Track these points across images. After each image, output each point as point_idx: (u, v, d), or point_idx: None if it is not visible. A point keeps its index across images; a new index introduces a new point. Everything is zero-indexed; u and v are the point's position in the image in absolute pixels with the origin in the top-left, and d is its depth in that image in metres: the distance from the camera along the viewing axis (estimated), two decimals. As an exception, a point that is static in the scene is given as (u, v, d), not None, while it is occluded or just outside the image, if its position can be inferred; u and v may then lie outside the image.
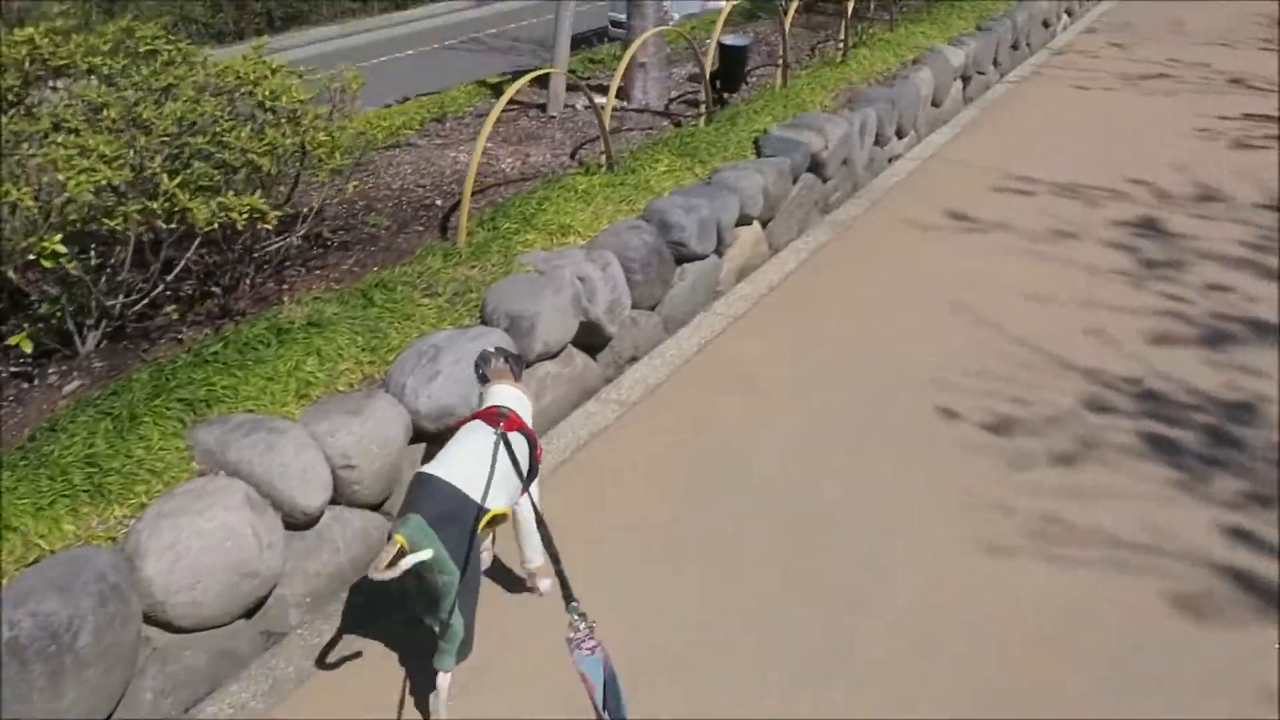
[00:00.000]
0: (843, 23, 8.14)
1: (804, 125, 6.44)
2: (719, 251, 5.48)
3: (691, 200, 5.27)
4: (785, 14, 7.55)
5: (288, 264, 4.63)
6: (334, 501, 3.46)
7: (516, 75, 8.30)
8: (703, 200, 5.30)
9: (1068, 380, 4.56)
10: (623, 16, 11.38)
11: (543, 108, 7.07)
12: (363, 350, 3.90)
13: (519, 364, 3.30)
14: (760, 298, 5.41)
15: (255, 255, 4.39)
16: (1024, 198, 6.75)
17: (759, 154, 6.19)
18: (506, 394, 3.11)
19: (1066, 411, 4.32)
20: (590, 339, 4.58)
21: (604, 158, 5.71)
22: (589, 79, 7.95)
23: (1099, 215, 6.42)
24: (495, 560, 3.39)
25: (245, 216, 3.77)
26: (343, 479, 3.43)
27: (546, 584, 3.24)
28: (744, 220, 5.67)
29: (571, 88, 7.59)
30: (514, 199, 5.27)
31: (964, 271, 5.66)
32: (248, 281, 4.36)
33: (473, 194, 5.54)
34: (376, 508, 3.63)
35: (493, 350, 3.29)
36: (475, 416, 3.04)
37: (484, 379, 3.22)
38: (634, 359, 4.87)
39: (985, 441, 4.12)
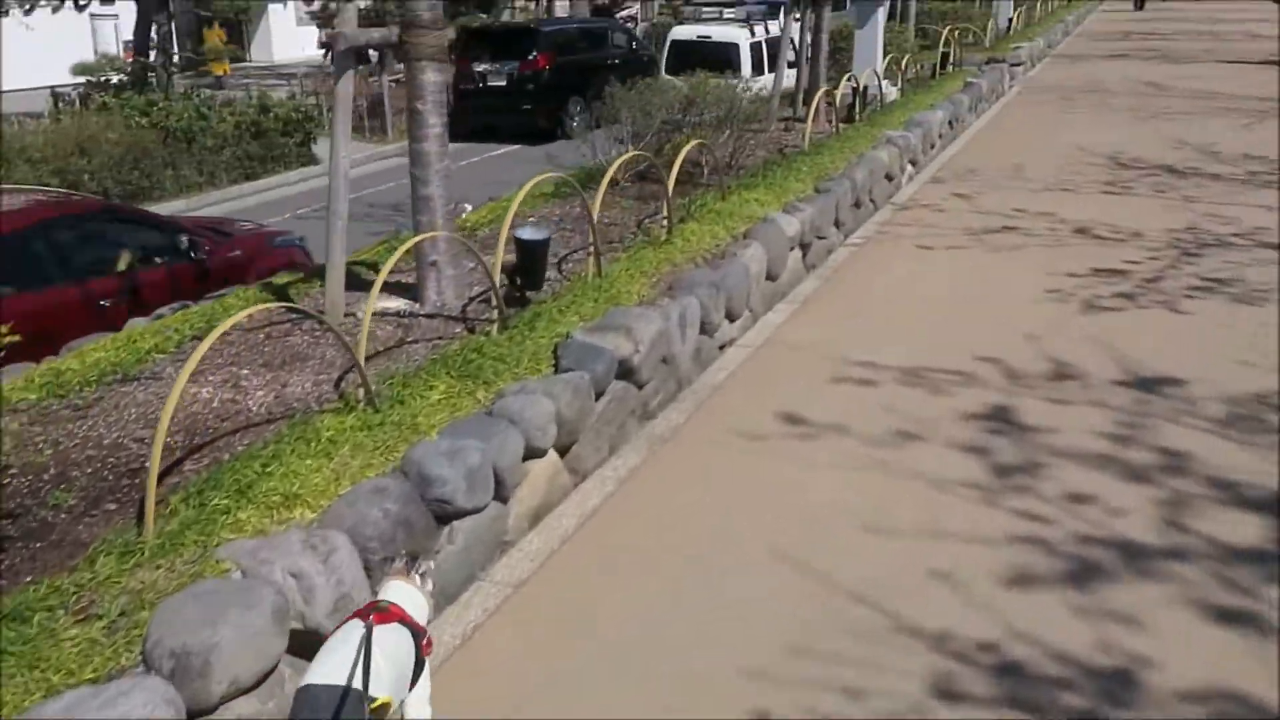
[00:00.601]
0: (665, 200, 7.53)
1: (611, 326, 5.67)
2: (502, 498, 4.57)
3: (459, 443, 4.38)
4: (598, 192, 6.89)
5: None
6: None
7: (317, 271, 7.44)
8: (474, 441, 4.41)
9: (911, 653, 3.72)
10: None
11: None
12: (-55, 734, 2.84)
13: (413, 561, 3.40)
14: (551, 554, 4.50)
15: None
16: (864, 388, 6.06)
17: (557, 367, 5.38)
18: (395, 590, 3.24)
19: (909, 706, 3.45)
20: (311, 651, 3.57)
21: (367, 389, 4.81)
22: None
23: (946, 407, 5.75)
24: None
25: None
26: None
27: None
28: (534, 454, 4.81)
29: (359, 285, 6.78)
30: (238, 457, 4.31)
31: (793, 497, 4.86)
32: None
33: (205, 445, 4.59)
34: None
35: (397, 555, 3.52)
36: (354, 614, 3.12)
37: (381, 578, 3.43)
38: (381, 661, 3.87)
39: (807, 767, 3.22)
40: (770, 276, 7.67)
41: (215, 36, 26.39)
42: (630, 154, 8.02)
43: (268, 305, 4.98)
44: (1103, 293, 7.60)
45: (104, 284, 6.85)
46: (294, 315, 6.36)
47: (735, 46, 16.86)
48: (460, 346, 5.51)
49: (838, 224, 9.25)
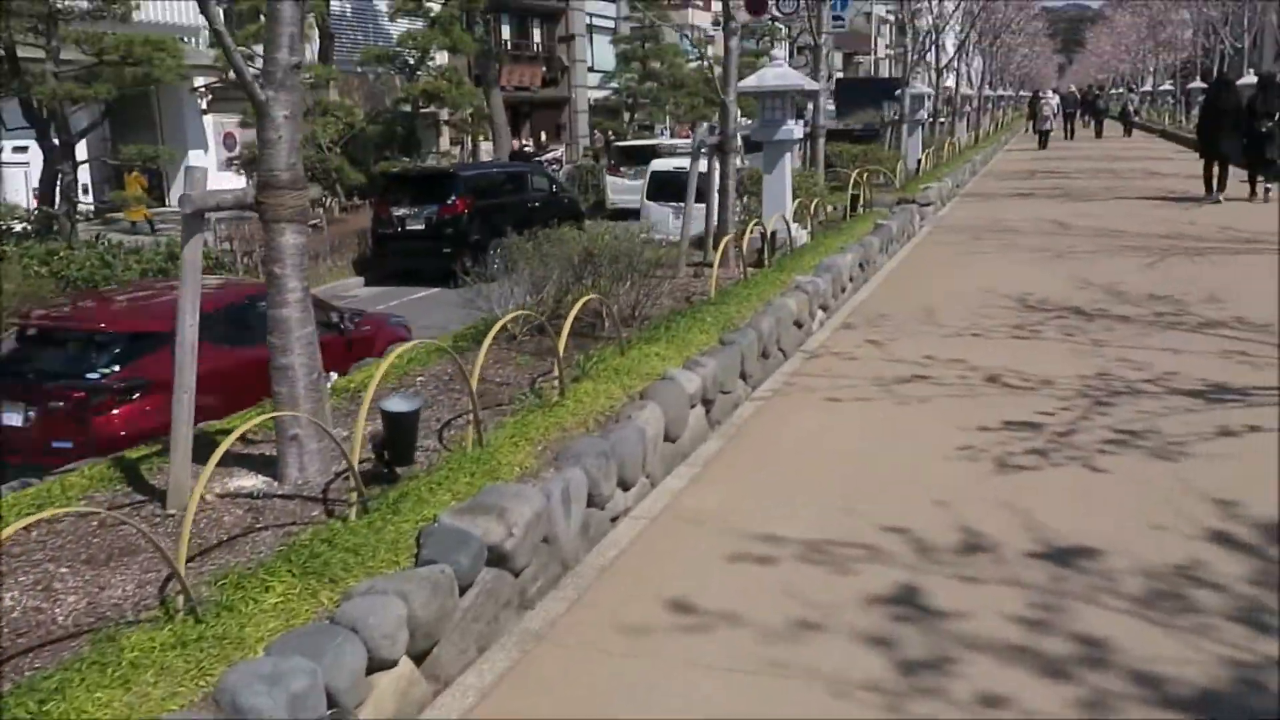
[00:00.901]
0: (555, 360, 7.14)
1: (484, 507, 5.16)
2: (338, 722, 3.97)
3: (285, 663, 3.79)
4: (478, 355, 6.47)
5: None
6: None
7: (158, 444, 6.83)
8: (304, 660, 3.83)
9: None
10: None
11: (165, 499, 5.60)
12: None
13: None
14: (392, 791, 3.88)
15: None
16: (764, 568, 5.59)
17: (418, 557, 4.84)
18: None
19: None
20: None
21: (187, 596, 4.22)
22: (238, 448, 6.55)
23: (850, 589, 5.29)
24: None
25: None
26: None
27: None
28: (382, 665, 4.22)
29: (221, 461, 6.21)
30: (15, 690, 3.67)
31: (674, 709, 4.32)
32: None
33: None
34: None
35: None
36: None
37: None
38: None
39: None
40: (670, 438, 7.26)
41: (136, 183, 26.00)
42: (516, 312, 7.66)
43: (52, 512, 4.42)
44: (1015, 449, 7.29)
45: None
46: (134, 495, 5.78)
47: (707, 177, 18.51)
48: (310, 536, 4.96)
49: (744, 376, 8.93)
